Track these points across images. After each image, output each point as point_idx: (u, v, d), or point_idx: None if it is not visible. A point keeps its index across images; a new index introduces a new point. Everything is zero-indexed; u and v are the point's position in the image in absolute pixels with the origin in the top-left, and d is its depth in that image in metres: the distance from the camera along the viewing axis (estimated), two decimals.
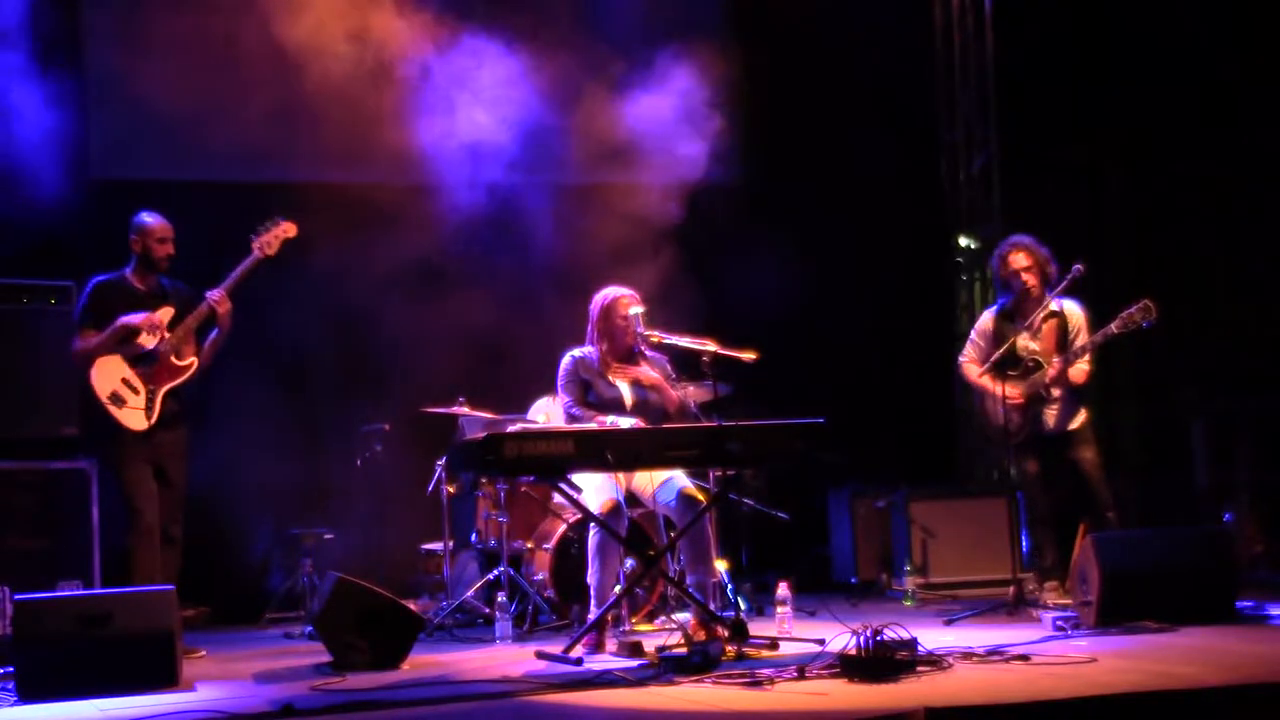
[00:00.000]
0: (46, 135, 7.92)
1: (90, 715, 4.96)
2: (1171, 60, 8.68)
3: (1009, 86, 9.46)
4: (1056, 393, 6.89)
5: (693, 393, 6.73)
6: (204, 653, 6.48)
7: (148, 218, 6.66)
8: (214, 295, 6.55)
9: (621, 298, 6.46)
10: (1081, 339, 6.87)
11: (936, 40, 9.87)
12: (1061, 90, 9.32)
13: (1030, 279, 6.94)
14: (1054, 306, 6.92)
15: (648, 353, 6.53)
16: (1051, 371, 6.83)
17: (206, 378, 6.74)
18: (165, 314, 6.55)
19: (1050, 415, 6.93)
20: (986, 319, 7.21)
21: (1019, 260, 6.96)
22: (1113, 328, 6.68)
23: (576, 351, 6.53)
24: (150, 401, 6.46)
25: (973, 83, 9.66)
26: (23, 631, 5.36)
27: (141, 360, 6.48)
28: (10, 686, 5.37)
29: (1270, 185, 8.31)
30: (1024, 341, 6.91)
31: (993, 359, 6.92)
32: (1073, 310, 6.98)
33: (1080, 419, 6.94)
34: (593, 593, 6.14)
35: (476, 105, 7.89)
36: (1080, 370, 6.83)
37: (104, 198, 8.03)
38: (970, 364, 7.18)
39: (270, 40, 7.83)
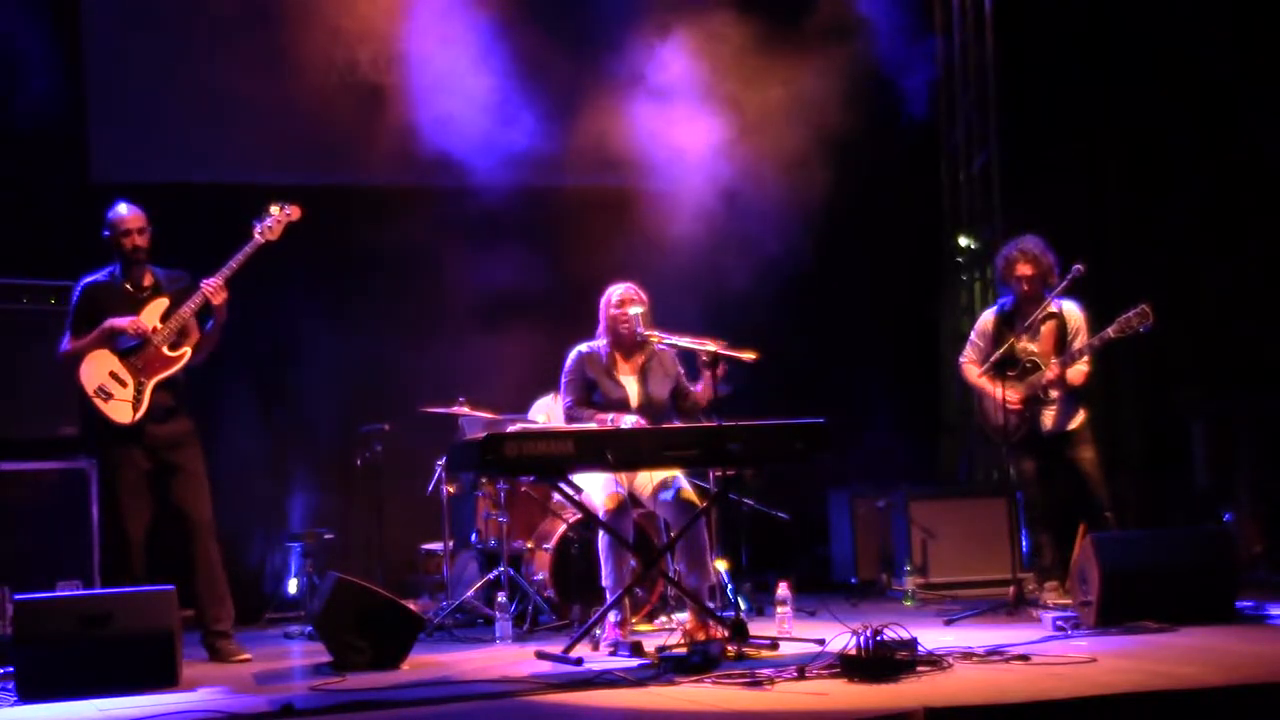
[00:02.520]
0: (48, 137, 7.95)
1: (90, 715, 4.96)
2: (1171, 60, 8.68)
3: (1009, 86, 9.45)
4: (1055, 393, 6.89)
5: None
6: (249, 656, 6.31)
7: (121, 208, 6.37)
8: (209, 283, 6.23)
9: (622, 294, 6.47)
10: (1080, 340, 6.87)
11: (937, 40, 9.85)
12: (1061, 90, 9.31)
13: (1029, 288, 6.94)
14: (1053, 308, 6.92)
15: (657, 347, 6.53)
16: (1050, 373, 6.83)
17: (205, 375, 6.59)
18: (159, 306, 6.30)
19: (1049, 415, 6.93)
20: (987, 319, 7.21)
21: (1023, 269, 6.95)
22: (1110, 332, 6.68)
23: (584, 347, 6.54)
24: (139, 394, 6.20)
25: (973, 83, 9.65)
26: (23, 631, 5.36)
27: (131, 352, 6.24)
28: (10, 686, 5.38)
29: (1270, 185, 8.30)
30: (1023, 343, 6.91)
31: (991, 360, 6.92)
32: (1072, 311, 6.98)
33: (1079, 419, 6.94)
34: (609, 595, 6.17)
35: (475, 105, 7.90)
36: (1079, 371, 6.83)
37: (105, 199, 8.02)
38: (970, 364, 7.18)
39: (271, 42, 7.85)
